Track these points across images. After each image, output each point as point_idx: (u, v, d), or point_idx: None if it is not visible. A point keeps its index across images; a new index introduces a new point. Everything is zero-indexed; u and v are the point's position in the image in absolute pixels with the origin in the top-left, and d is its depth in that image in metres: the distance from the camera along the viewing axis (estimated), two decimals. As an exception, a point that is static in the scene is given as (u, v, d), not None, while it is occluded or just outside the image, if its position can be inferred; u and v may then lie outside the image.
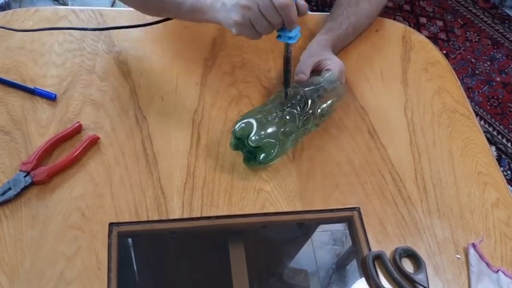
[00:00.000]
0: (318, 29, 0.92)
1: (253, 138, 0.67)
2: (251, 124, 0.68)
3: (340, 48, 0.87)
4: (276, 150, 0.69)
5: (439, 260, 0.67)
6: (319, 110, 0.73)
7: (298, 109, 0.71)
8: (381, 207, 0.71)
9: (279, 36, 0.66)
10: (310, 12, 0.97)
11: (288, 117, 0.70)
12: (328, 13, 0.90)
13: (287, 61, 0.70)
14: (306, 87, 0.74)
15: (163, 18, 0.77)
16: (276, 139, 0.69)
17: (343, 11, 0.86)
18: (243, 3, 0.62)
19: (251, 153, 0.69)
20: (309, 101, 0.72)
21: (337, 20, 0.85)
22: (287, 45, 0.68)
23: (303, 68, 0.78)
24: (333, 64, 0.78)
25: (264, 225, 0.70)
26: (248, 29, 0.64)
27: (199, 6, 0.68)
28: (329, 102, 0.74)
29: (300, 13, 0.63)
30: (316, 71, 0.78)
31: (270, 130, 0.68)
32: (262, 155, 0.68)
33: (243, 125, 0.68)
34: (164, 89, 0.79)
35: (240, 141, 0.69)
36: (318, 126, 0.76)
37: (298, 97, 0.72)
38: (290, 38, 0.66)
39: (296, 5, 0.62)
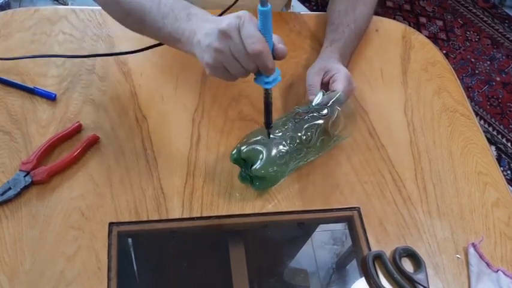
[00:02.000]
0: (318, 29, 0.93)
1: (257, 167, 0.65)
2: (260, 152, 0.66)
3: (348, 57, 0.84)
4: (275, 181, 0.69)
5: (439, 260, 0.68)
6: (331, 140, 0.72)
7: (308, 140, 0.69)
8: (380, 207, 0.71)
9: (255, 79, 0.61)
10: (310, 12, 0.97)
11: (297, 153, 0.69)
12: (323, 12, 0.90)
13: (267, 105, 0.63)
14: (315, 113, 0.71)
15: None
16: (280, 172, 0.68)
17: (342, 19, 0.84)
18: (215, 46, 0.57)
19: (250, 176, 0.68)
20: (317, 132, 0.70)
21: (339, 30, 0.83)
22: (266, 90, 0.62)
23: (312, 85, 0.76)
24: (338, 74, 0.75)
25: (264, 225, 0.70)
26: (221, 72, 0.60)
27: (177, 37, 0.64)
28: (339, 127, 0.72)
29: (278, 57, 0.59)
30: (325, 83, 0.76)
31: (276, 163, 0.67)
32: (261, 184, 0.68)
33: (252, 150, 0.66)
34: (164, 89, 0.79)
35: (242, 161, 0.68)
36: (330, 146, 0.74)
37: (306, 126, 0.69)
38: (266, 83, 0.60)
39: (274, 49, 0.58)
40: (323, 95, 0.73)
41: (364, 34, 0.90)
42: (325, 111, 0.71)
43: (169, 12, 0.64)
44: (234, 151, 0.68)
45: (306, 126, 0.70)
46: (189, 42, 0.62)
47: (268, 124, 0.65)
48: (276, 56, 0.58)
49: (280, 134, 0.69)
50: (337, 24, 0.84)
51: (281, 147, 0.68)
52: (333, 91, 0.73)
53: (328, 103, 0.72)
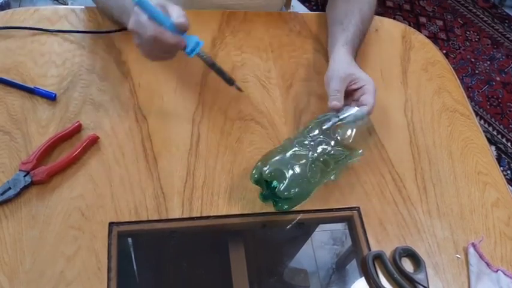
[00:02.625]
0: (318, 29, 0.93)
1: (282, 189, 0.63)
2: (283, 174, 0.64)
3: (355, 57, 0.83)
4: (299, 202, 0.67)
5: (439, 260, 0.68)
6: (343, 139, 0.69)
7: (328, 163, 0.67)
8: (380, 207, 0.71)
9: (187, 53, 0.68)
10: (310, 12, 0.97)
11: (320, 170, 0.66)
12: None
13: (213, 68, 0.72)
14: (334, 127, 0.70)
15: None
16: (305, 191, 0.66)
17: (351, 19, 0.83)
18: (135, 43, 0.66)
19: (274, 196, 0.65)
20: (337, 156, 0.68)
21: (350, 30, 0.82)
22: (200, 57, 0.70)
23: (338, 90, 0.72)
24: (367, 86, 0.73)
25: (264, 225, 0.70)
26: (154, 57, 0.68)
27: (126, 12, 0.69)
28: (350, 133, 0.70)
29: (181, 30, 0.65)
30: (349, 90, 0.74)
31: (299, 184, 0.64)
32: (285, 205, 0.66)
33: (275, 171, 0.64)
34: (164, 88, 0.79)
35: (264, 181, 0.65)
36: (348, 159, 0.70)
37: (329, 151, 0.68)
38: (192, 51, 0.68)
39: (175, 24, 0.64)
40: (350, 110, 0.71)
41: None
42: (348, 133, 0.69)
43: (124, 9, 0.71)
44: (255, 171, 0.66)
45: (328, 150, 0.67)
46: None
47: (229, 80, 0.73)
48: (179, 29, 0.65)
49: (304, 152, 0.66)
50: (347, 24, 0.83)
51: (303, 167, 0.65)
52: (360, 104, 0.72)
53: (354, 121, 0.70)
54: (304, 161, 0.65)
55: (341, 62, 0.77)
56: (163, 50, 0.66)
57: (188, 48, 0.68)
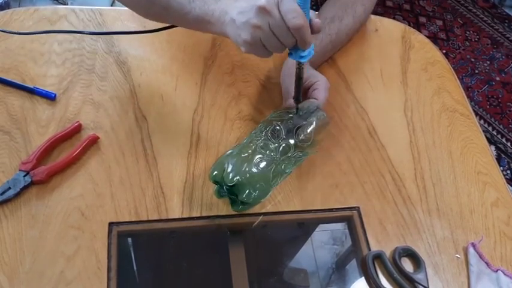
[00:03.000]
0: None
1: (230, 176, 0.62)
2: (222, 164, 0.64)
3: (316, 66, 0.82)
4: (257, 185, 0.64)
5: (439, 260, 0.68)
6: (300, 137, 0.68)
7: (273, 140, 0.67)
8: (380, 207, 0.71)
9: (290, 54, 0.63)
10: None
11: (262, 149, 0.65)
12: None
13: (299, 78, 0.66)
14: (283, 117, 0.70)
15: (166, 26, 0.74)
16: (255, 174, 0.63)
17: (326, 26, 0.82)
18: (253, 23, 0.57)
19: (233, 195, 0.64)
20: (283, 131, 0.67)
21: (319, 36, 0.80)
22: (299, 63, 0.65)
23: (290, 92, 0.71)
24: (319, 82, 0.74)
25: (264, 225, 0.70)
26: (258, 49, 0.60)
27: (206, 19, 0.64)
28: (309, 129, 0.69)
29: (314, 32, 0.60)
30: (304, 89, 0.72)
31: (244, 165, 0.63)
32: (245, 193, 0.63)
33: (216, 169, 0.64)
34: (164, 89, 0.79)
35: (220, 186, 0.65)
36: (307, 154, 0.70)
37: (270, 128, 0.68)
38: (302, 57, 0.62)
39: (310, 23, 0.59)
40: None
41: (342, 47, 0.88)
42: (308, 131, 0.69)
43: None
44: (216, 172, 0.64)
45: (283, 145, 0.66)
46: (220, 22, 0.62)
47: (298, 99, 0.68)
48: (313, 30, 0.59)
49: (267, 158, 0.65)
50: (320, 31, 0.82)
51: (247, 151, 0.65)
52: (311, 99, 0.73)
53: (307, 116, 0.70)
54: (266, 166, 0.64)
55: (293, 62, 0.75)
56: (287, 44, 0.59)
57: (305, 52, 0.62)
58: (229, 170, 0.63)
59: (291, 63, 0.77)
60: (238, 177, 0.62)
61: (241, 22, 0.59)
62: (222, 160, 0.65)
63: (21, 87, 0.75)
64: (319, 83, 0.75)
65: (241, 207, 0.66)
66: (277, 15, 0.56)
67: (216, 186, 0.66)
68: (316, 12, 0.90)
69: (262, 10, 0.56)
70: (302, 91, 0.68)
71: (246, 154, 0.65)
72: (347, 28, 0.85)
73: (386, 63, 0.90)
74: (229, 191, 0.64)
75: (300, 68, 0.65)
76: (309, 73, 0.76)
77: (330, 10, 0.86)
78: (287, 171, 0.68)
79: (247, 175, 0.63)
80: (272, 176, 0.65)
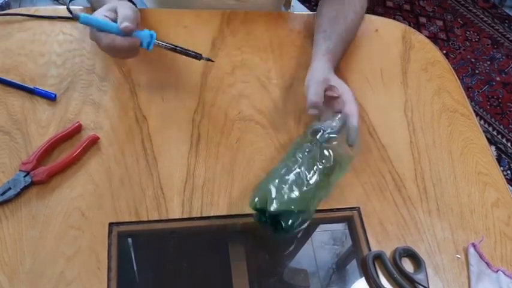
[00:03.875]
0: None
1: (289, 224, 0.62)
2: (263, 191, 0.63)
3: (336, 66, 0.83)
4: (299, 213, 0.63)
5: (439, 260, 0.68)
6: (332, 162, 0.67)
7: (310, 165, 0.66)
8: (380, 207, 0.71)
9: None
10: (310, 12, 0.97)
11: (300, 175, 0.65)
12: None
13: (173, 48, 0.74)
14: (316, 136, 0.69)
15: None
16: (297, 201, 0.63)
17: (335, 27, 0.82)
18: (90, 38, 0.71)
19: (275, 221, 0.63)
20: (317, 155, 0.67)
21: (332, 38, 0.81)
22: (160, 46, 0.73)
23: (317, 102, 0.71)
24: (346, 95, 0.73)
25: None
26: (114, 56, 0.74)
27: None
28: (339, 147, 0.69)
29: (126, 33, 0.68)
30: (326, 97, 0.73)
31: (286, 192, 0.63)
32: (288, 221, 0.62)
33: (257, 196, 0.64)
34: (164, 89, 0.79)
35: (261, 213, 0.64)
36: (344, 171, 0.70)
37: (305, 152, 0.67)
38: (149, 45, 0.71)
39: (120, 29, 0.68)
40: (336, 121, 0.70)
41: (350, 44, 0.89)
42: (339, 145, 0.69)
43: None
44: (257, 200, 0.64)
45: (317, 169, 0.66)
46: None
47: (195, 56, 0.75)
48: (126, 33, 0.69)
49: (303, 180, 0.64)
50: (329, 32, 0.82)
51: (289, 175, 0.64)
52: (339, 113, 0.72)
53: (338, 131, 0.70)
54: (306, 192, 0.64)
55: (319, 69, 0.76)
56: (123, 53, 0.71)
57: (144, 43, 0.71)
58: (273, 196, 0.62)
59: (315, 70, 0.76)
60: (281, 207, 0.62)
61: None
62: (262, 187, 0.65)
63: (22, 87, 0.75)
64: (347, 97, 0.73)
65: (283, 233, 0.64)
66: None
67: (257, 212, 0.65)
68: (314, 13, 0.90)
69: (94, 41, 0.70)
70: (191, 51, 0.75)
71: (286, 179, 0.64)
72: (353, 24, 0.86)
73: (387, 63, 0.90)
74: (272, 218, 0.63)
75: (165, 47, 0.74)
76: (334, 82, 0.74)
77: (329, 10, 0.86)
78: (325, 193, 0.68)
79: (291, 204, 0.62)
80: (312, 202, 0.65)
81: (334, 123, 0.70)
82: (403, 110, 0.84)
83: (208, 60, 0.76)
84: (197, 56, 0.75)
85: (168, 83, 0.80)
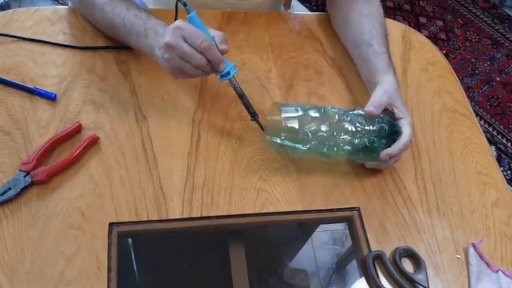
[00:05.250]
0: (318, 29, 0.93)
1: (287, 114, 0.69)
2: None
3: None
4: (300, 138, 0.68)
5: (439, 260, 0.68)
6: (371, 143, 0.70)
7: (356, 126, 0.70)
8: (381, 207, 0.71)
9: (220, 79, 0.70)
10: (310, 12, 0.97)
11: (340, 123, 0.70)
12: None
13: (241, 98, 0.72)
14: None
15: None
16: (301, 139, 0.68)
17: (378, 38, 0.81)
18: (166, 57, 0.68)
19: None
20: (368, 127, 0.70)
21: (383, 50, 0.80)
22: (230, 83, 0.71)
23: (375, 103, 0.71)
24: (404, 120, 0.72)
25: (264, 225, 0.70)
26: (182, 75, 0.70)
27: (142, 51, 0.75)
28: (382, 141, 0.71)
29: (223, 52, 0.68)
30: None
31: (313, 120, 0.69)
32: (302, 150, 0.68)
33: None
34: (164, 89, 0.79)
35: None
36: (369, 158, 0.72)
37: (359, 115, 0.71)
38: (222, 76, 0.69)
39: (216, 45, 0.67)
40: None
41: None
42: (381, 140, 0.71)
43: (132, 30, 0.74)
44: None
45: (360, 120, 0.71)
46: (152, 56, 0.71)
47: (253, 114, 0.72)
48: (221, 50, 0.68)
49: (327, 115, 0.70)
50: (377, 45, 0.80)
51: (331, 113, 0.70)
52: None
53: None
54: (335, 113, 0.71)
55: (389, 85, 0.75)
56: (200, 65, 0.67)
57: (225, 71, 0.69)
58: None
59: (380, 87, 0.75)
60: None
61: (160, 57, 0.69)
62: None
63: (22, 87, 0.75)
64: (405, 121, 0.72)
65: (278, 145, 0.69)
66: (184, 45, 0.66)
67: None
68: (314, 13, 0.90)
69: (168, 46, 0.66)
70: (251, 107, 0.72)
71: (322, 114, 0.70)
72: (385, 27, 0.84)
73: (387, 63, 0.90)
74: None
75: (233, 86, 0.71)
76: (397, 105, 0.73)
77: (367, 18, 0.84)
78: (341, 151, 0.70)
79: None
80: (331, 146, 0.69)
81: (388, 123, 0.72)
82: (403, 110, 0.84)
83: (261, 127, 0.73)
84: (253, 115, 0.73)
85: (168, 83, 0.80)
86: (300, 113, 0.70)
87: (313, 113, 0.70)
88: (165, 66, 0.69)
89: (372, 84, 0.77)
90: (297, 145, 0.69)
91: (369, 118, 0.71)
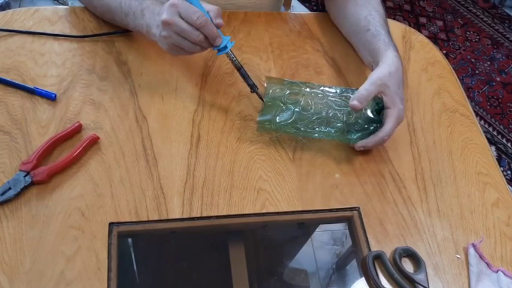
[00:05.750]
0: (318, 29, 0.93)
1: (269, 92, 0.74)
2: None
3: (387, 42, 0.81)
4: (278, 111, 0.72)
5: (439, 260, 0.68)
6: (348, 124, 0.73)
7: (336, 112, 0.74)
8: (381, 207, 0.71)
9: (218, 54, 0.72)
10: (310, 12, 0.97)
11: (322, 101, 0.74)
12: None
13: (239, 70, 0.74)
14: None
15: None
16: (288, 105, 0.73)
17: (376, 22, 0.81)
18: (163, 35, 0.69)
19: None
20: (344, 115, 0.74)
21: (382, 32, 0.80)
22: (228, 57, 0.73)
23: (360, 96, 0.70)
24: (391, 110, 0.72)
25: (264, 225, 0.70)
26: (179, 51, 0.71)
27: (140, 31, 0.75)
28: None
29: (218, 26, 0.70)
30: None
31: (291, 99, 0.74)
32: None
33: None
34: (164, 89, 0.79)
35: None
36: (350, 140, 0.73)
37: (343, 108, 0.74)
38: (220, 50, 0.71)
39: (212, 20, 0.68)
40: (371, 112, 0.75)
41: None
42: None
43: (129, 11, 0.75)
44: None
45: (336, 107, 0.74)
46: (150, 35, 0.73)
47: (252, 86, 0.74)
48: (216, 24, 0.70)
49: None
50: (375, 29, 0.80)
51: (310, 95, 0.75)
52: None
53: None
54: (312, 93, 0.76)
55: (386, 67, 0.73)
56: (198, 42, 0.69)
57: (222, 45, 0.71)
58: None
59: (380, 66, 0.74)
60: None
61: (157, 35, 0.70)
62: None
63: (22, 87, 0.75)
64: (392, 111, 0.72)
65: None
66: (181, 22, 0.67)
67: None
68: (314, 13, 0.90)
69: (165, 23, 0.67)
70: (250, 79, 0.74)
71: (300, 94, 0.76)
72: (383, 15, 0.84)
73: (387, 63, 0.90)
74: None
75: (231, 60, 0.73)
76: (389, 92, 0.72)
77: (363, 7, 0.84)
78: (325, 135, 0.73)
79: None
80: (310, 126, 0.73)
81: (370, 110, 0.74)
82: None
83: (260, 97, 0.75)
84: (252, 87, 0.74)
85: (168, 83, 0.80)
86: (287, 90, 0.75)
87: (298, 88, 0.75)
88: (162, 44, 0.71)
89: (375, 66, 0.76)
90: (285, 119, 0.72)
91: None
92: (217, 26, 0.70)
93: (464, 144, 0.81)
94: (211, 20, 0.69)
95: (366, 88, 0.71)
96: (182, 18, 0.67)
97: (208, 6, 0.70)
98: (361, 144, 0.72)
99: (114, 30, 0.83)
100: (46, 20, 0.84)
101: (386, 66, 0.73)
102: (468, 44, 2.20)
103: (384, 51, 0.77)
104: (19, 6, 1.86)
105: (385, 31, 0.81)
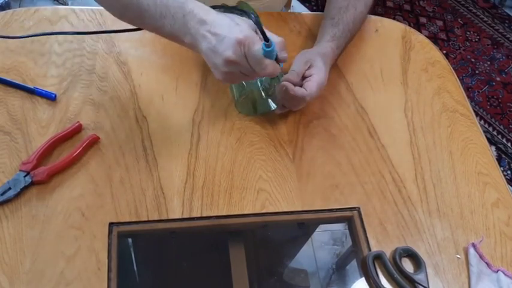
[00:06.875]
0: (318, 29, 0.92)
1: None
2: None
3: (338, 56, 0.83)
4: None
5: (439, 260, 0.68)
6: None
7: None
8: (381, 207, 0.71)
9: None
10: (310, 12, 0.97)
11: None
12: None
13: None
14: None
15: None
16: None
17: (343, 16, 0.83)
18: (223, 70, 0.62)
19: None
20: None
21: (339, 27, 0.82)
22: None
23: (298, 73, 0.74)
24: (315, 76, 0.73)
25: (264, 225, 0.70)
26: (231, 81, 0.70)
27: (179, 39, 0.65)
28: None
29: (281, 60, 0.64)
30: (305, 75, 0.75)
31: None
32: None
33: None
34: (164, 89, 0.79)
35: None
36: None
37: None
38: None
39: (277, 59, 0.63)
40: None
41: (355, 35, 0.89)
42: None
43: (166, 12, 0.63)
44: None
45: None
46: (195, 48, 0.64)
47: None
48: (281, 61, 0.64)
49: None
50: (337, 20, 0.82)
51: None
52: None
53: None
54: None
55: (317, 51, 0.77)
56: (254, 76, 0.65)
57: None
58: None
59: (312, 53, 0.77)
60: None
61: (213, 64, 0.62)
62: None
63: (22, 87, 0.75)
64: (315, 77, 0.74)
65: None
66: (246, 65, 0.61)
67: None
68: (314, 13, 0.90)
69: (230, 62, 0.60)
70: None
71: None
72: (361, 16, 0.86)
73: (387, 63, 0.90)
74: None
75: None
76: (315, 63, 0.75)
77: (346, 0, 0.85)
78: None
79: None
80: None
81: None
82: (403, 110, 0.84)
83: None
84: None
85: (168, 83, 0.80)
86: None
87: None
88: (215, 74, 0.64)
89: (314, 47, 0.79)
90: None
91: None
92: (280, 61, 0.64)
93: (464, 144, 0.81)
94: (276, 54, 0.62)
95: (293, 66, 0.75)
96: (248, 62, 0.61)
97: (275, 38, 0.63)
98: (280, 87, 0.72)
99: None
100: (46, 20, 0.84)
101: (310, 52, 0.77)
102: (468, 44, 2.20)
103: (324, 42, 0.80)
104: (19, 6, 1.86)
105: (345, 27, 0.82)
